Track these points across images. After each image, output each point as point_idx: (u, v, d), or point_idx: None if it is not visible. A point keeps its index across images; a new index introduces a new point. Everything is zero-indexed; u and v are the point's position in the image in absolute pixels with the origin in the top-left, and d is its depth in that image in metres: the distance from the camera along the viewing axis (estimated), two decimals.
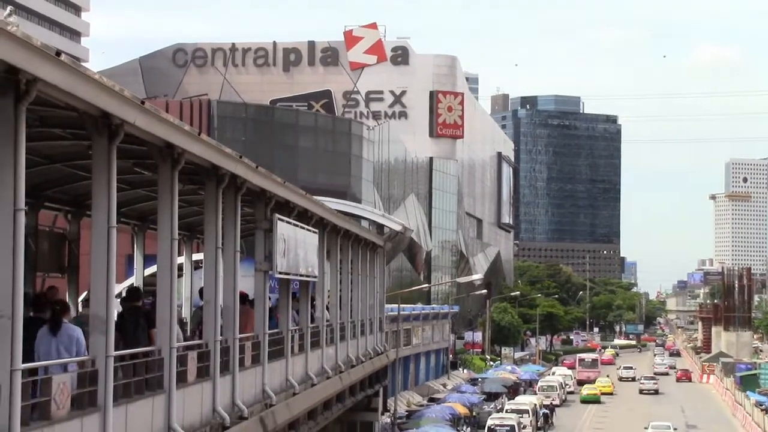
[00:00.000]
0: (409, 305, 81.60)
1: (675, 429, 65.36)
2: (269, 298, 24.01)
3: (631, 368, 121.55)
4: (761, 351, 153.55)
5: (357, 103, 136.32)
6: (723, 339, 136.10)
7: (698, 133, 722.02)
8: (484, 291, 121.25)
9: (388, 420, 52.40)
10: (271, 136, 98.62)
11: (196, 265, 28.54)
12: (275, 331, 24.27)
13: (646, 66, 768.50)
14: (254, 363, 21.84)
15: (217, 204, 18.80)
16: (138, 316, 17.07)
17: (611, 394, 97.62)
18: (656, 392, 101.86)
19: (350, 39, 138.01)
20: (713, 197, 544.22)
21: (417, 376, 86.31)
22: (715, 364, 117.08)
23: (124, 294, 19.34)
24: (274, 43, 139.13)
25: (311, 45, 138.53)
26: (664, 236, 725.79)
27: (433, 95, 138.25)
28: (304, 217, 25.63)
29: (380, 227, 48.27)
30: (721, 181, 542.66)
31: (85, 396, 13.19)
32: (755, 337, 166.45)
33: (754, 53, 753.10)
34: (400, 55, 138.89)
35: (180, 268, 19.64)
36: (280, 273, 22.75)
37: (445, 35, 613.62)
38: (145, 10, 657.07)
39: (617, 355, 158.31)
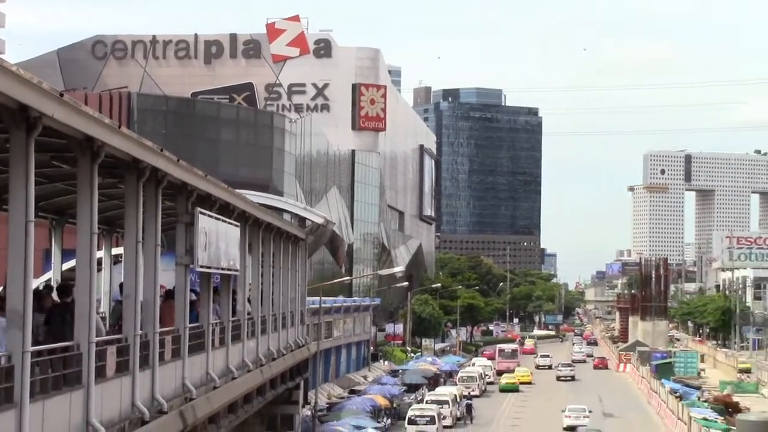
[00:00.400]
0: (330, 298, 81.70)
1: (590, 411, 67.80)
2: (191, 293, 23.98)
3: (547, 356, 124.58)
4: (677, 340, 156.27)
5: (279, 95, 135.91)
6: (640, 328, 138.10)
7: (618, 126, 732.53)
8: (406, 283, 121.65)
9: (309, 413, 52.46)
10: (192, 129, 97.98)
11: (116, 260, 28.36)
12: (196, 324, 24.21)
13: (568, 59, 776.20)
14: (174, 357, 21.79)
15: (137, 197, 18.71)
16: (66, 312, 17.01)
17: (530, 383, 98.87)
18: (573, 378, 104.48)
19: (272, 31, 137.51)
20: (631, 189, 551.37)
21: (338, 369, 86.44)
22: (631, 353, 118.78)
23: (42, 288, 19.21)
24: (196, 36, 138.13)
25: (233, 37, 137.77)
26: (584, 227, 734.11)
27: (355, 88, 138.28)
28: (225, 210, 25.58)
29: (302, 220, 48.30)
30: (639, 172, 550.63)
31: (0, 392, 13.07)
32: (671, 326, 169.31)
33: (676, 47, 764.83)
34: (323, 48, 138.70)
35: (99, 262, 19.50)
36: (201, 267, 22.70)
37: (368, 28, 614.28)
38: (63, 1, 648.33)
39: (535, 345, 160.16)
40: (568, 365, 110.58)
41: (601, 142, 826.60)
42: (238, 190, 28.20)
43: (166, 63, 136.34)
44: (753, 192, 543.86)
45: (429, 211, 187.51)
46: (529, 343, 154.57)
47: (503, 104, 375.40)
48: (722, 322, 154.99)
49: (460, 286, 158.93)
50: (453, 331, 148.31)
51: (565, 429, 65.24)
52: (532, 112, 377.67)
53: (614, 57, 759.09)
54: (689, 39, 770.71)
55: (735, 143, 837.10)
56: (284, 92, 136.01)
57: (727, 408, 69.35)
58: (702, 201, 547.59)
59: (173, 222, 22.65)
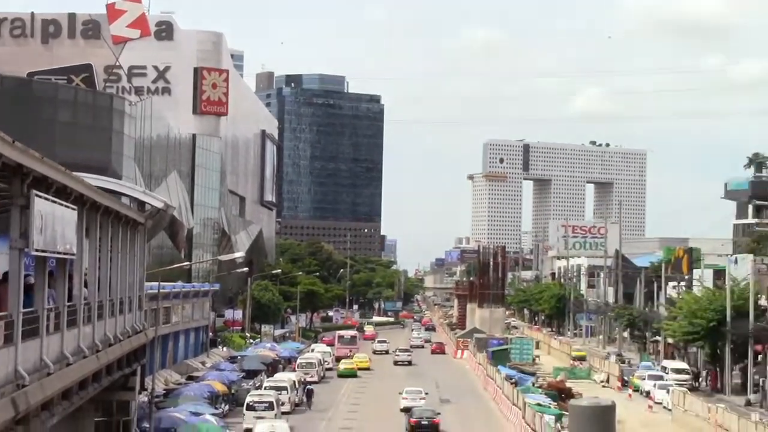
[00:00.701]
0: (169, 283, 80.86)
1: (426, 393, 70.65)
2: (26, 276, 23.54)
3: (384, 342, 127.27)
4: (515, 328, 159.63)
5: (119, 78, 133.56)
6: (477, 315, 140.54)
7: (458, 115, 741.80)
8: (246, 269, 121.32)
9: (146, 399, 51.91)
10: (28, 109, 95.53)
11: None
12: (30, 310, 23.81)
13: (410, 48, 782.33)
14: (6, 343, 21.40)
15: None
16: None
17: (368, 369, 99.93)
18: (410, 363, 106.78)
19: (113, 12, 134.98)
20: (471, 177, 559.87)
21: (176, 355, 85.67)
22: (469, 339, 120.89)
23: None
24: (32, 14, 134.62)
25: (72, 17, 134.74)
26: (424, 215, 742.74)
27: (197, 72, 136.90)
28: (62, 193, 25.18)
29: (141, 204, 47.66)
30: (478, 161, 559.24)
31: None
32: (508, 313, 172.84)
33: (514, 37, 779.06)
34: (164, 30, 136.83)
35: None
36: (37, 250, 22.33)
37: (210, 11, 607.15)
38: None
39: (376, 331, 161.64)
40: (405, 350, 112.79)
41: (442, 131, 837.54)
42: (75, 173, 27.77)
43: (1, 42, 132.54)
44: (588, 182, 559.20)
45: (270, 196, 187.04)
46: (369, 330, 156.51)
47: (346, 91, 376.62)
48: (557, 310, 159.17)
49: (300, 272, 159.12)
50: (292, 318, 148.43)
51: (402, 410, 66.60)
52: (374, 99, 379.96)
53: (456, 46, 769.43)
54: (525, 29, 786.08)
55: (571, 134, 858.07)
56: (124, 74, 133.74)
57: (561, 393, 71.37)
58: (539, 190, 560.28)
59: (8, 205, 22.22)
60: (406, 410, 64.56)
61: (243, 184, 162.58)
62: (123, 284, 37.96)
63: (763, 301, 74.49)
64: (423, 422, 59.64)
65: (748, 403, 72.55)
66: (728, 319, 77.80)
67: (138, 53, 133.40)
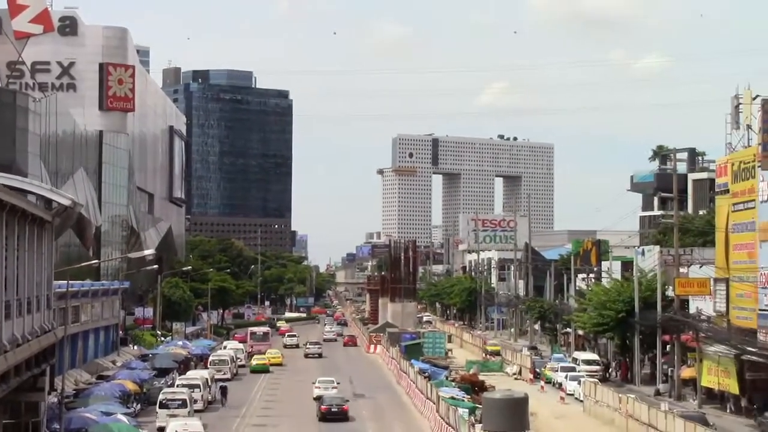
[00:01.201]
0: (77, 281, 79.70)
1: (338, 383, 73.82)
2: None
3: (294, 336, 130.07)
4: (429, 323, 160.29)
5: (22, 74, 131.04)
6: (389, 310, 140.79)
7: (368, 110, 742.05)
8: (156, 266, 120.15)
9: (55, 399, 51.11)
10: None
11: None
12: None
13: (319, 43, 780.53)
14: None
15: None
16: None
17: (281, 364, 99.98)
18: (320, 356, 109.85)
19: (14, 7, 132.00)
20: (381, 172, 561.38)
21: (86, 354, 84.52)
22: (381, 334, 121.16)
23: None
24: None
25: None
26: (335, 210, 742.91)
27: (102, 67, 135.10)
28: None
29: (48, 202, 46.91)
30: (388, 156, 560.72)
31: None
32: (420, 307, 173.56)
33: (422, 32, 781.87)
34: (69, 26, 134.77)
35: None
36: None
37: (115, 6, 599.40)
38: None
39: (291, 327, 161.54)
40: (315, 343, 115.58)
41: (351, 126, 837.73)
42: None
43: None
44: (497, 175, 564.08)
45: (179, 193, 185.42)
46: (283, 325, 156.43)
47: (254, 86, 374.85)
48: (468, 303, 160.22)
49: (211, 269, 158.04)
50: (204, 315, 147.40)
51: (315, 399, 68.19)
52: (283, 94, 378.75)
53: (365, 41, 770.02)
54: (433, 25, 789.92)
55: (480, 129, 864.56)
56: (27, 70, 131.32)
57: (474, 386, 71.84)
58: (449, 184, 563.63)
59: None
60: (319, 399, 66.33)
61: (151, 180, 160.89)
62: (30, 283, 37.29)
63: (670, 292, 75.67)
64: (333, 409, 62.51)
65: (658, 393, 73.74)
66: (636, 310, 78.94)
67: (41, 49, 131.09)
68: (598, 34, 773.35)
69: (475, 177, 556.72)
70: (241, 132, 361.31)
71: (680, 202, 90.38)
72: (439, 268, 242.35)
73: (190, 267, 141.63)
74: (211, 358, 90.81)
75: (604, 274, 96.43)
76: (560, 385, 77.48)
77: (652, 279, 79.36)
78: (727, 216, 68.02)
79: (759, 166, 61.70)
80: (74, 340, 77.81)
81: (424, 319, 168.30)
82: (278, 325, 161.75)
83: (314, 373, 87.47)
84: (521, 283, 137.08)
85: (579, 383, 71.96)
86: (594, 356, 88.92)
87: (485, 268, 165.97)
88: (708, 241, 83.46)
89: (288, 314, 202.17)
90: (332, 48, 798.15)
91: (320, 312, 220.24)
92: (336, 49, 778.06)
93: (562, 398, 72.88)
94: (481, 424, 52.12)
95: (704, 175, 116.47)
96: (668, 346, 78.22)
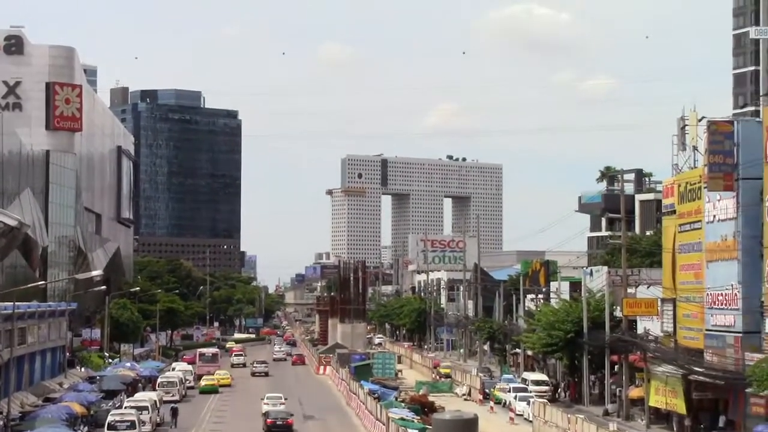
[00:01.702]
0: (24, 303, 78.91)
1: (286, 398, 76.09)
2: None
3: (241, 355, 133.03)
4: (379, 344, 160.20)
5: None
6: (339, 330, 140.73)
7: (316, 130, 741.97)
8: (103, 287, 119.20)
9: (1, 423, 50.56)
10: None
11: None
12: None
13: (267, 63, 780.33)
14: None
15: None
16: None
17: (230, 385, 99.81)
18: (266, 374, 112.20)
19: None
20: (330, 192, 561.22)
21: (32, 376, 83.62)
22: (331, 355, 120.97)
23: None
24: None
25: None
26: (284, 231, 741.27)
27: (49, 87, 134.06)
28: None
29: None
30: (337, 176, 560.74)
31: None
32: (369, 328, 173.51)
33: (371, 53, 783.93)
34: (14, 45, 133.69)
35: None
36: None
37: (62, 25, 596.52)
38: None
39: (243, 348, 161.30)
40: (262, 362, 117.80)
41: (300, 146, 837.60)
42: None
43: None
44: (446, 196, 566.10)
45: (127, 213, 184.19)
46: (234, 346, 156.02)
47: (202, 106, 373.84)
48: (418, 324, 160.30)
49: (159, 290, 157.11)
50: (152, 336, 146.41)
51: (263, 415, 69.03)
52: (232, 114, 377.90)
53: (313, 62, 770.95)
54: (382, 45, 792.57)
55: (428, 149, 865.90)
56: None
57: (423, 407, 71.92)
58: (398, 204, 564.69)
59: None
60: (266, 414, 68.37)
61: (99, 201, 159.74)
62: None
63: (618, 313, 76.25)
64: (278, 422, 65.86)
65: (606, 413, 74.19)
66: (585, 330, 79.44)
67: None
68: (545, 56, 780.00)
69: (425, 197, 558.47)
70: (190, 152, 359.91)
71: (628, 222, 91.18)
72: (388, 289, 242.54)
73: (138, 288, 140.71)
74: (159, 380, 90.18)
75: (552, 295, 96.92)
76: (510, 405, 77.76)
77: (601, 299, 79.91)
78: (674, 237, 68.74)
79: (705, 187, 62.43)
80: (20, 362, 76.95)
81: (375, 340, 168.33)
82: (228, 346, 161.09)
83: (263, 392, 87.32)
84: (470, 304, 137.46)
85: (528, 404, 72.27)
86: (543, 377, 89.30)
87: (434, 288, 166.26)
88: (655, 262, 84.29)
89: (237, 335, 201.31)
90: (281, 68, 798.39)
91: (270, 333, 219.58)
92: (285, 69, 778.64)
93: (511, 419, 73.15)
94: None
95: (651, 196, 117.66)
96: (616, 367, 78.73)
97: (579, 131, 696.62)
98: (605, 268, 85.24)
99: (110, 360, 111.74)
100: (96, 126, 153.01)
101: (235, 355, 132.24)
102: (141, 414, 63.42)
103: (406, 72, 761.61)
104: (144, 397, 72.39)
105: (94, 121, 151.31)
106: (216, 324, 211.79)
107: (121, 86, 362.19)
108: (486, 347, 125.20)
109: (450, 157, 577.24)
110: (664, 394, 66.17)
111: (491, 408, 79.93)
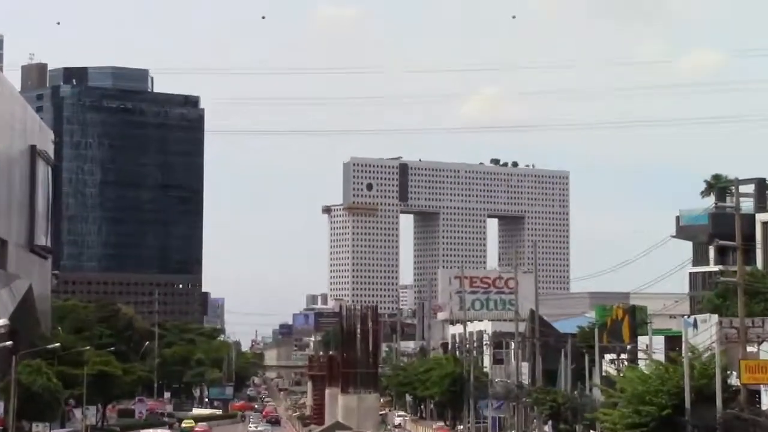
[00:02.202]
0: None
1: None
2: None
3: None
4: (399, 426, 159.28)
5: None
6: (341, 404, 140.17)
7: (309, 123, 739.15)
8: (9, 343, 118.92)
9: None
10: None
11: None
12: None
13: (241, 31, 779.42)
14: None
15: None
16: None
17: None
18: None
19: None
20: (328, 210, 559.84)
21: None
22: None
23: None
24: None
25: None
26: (263, 264, 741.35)
27: None
28: None
29: None
30: (338, 188, 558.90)
31: None
32: (383, 401, 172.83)
33: (380, 19, 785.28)
34: None
35: None
36: None
37: None
38: None
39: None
40: None
41: (286, 145, 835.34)
42: None
43: None
44: (490, 215, 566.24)
45: (44, 239, 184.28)
46: (191, 426, 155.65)
47: (150, 90, 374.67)
48: (452, 395, 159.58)
49: (87, 347, 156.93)
50: (77, 412, 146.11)
51: None
52: (191, 101, 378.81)
53: (300, 28, 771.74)
54: (391, 6, 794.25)
55: (465, 150, 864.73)
56: None
57: None
58: (423, 228, 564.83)
59: None
60: None
61: (5, 222, 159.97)
62: None
63: (734, 380, 75.71)
64: None
65: None
66: (687, 404, 78.89)
67: None
68: (626, 23, 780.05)
69: (460, 217, 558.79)
70: (132, 154, 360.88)
71: (746, 252, 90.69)
72: (410, 346, 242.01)
73: (58, 344, 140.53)
74: None
75: (641, 355, 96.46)
76: None
77: (709, 361, 79.35)
78: None
79: None
80: None
81: (393, 418, 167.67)
82: (185, 426, 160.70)
83: None
84: (525, 367, 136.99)
85: None
86: None
87: (475, 345, 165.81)
88: None
89: (197, 410, 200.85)
90: (260, 38, 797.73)
91: (244, 408, 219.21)
92: (265, 39, 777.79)
93: None
94: None
95: None
96: None
97: (675, 125, 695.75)
98: (715, 317, 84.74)
99: None
100: (0, 116, 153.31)
101: None
102: None
103: (434, 44, 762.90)
104: None
105: None
106: (167, 395, 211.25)
107: (37, 62, 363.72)
108: (547, 428, 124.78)
109: (495, 162, 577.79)
110: None
111: None
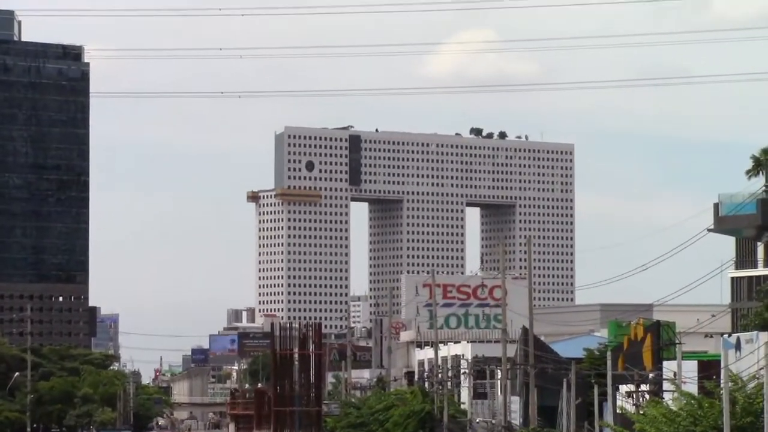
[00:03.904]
0: None
1: None
2: None
3: None
4: None
5: None
6: None
7: (228, 81, 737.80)
8: None
9: None
10: None
11: None
12: None
13: None
14: None
15: None
16: None
17: None
18: None
19: None
20: (255, 197, 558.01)
21: None
22: None
23: None
24: None
25: None
26: (169, 270, 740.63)
27: None
28: None
29: None
30: (269, 168, 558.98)
31: None
32: None
33: None
34: None
35: None
36: None
37: None
38: None
39: None
40: None
41: (198, 111, 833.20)
42: None
43: None
44: (469, 203, 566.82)
45: None
46: None
47: (17, 38, 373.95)
48: None
49: None
50: None
51: None
52: (71, 54, 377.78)
53: None
54: None
55: (436, 118, 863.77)
56: None
57: None
58: (381, 218, 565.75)
59: None
60: None
61: None
62: None
63: None
64: None
65: None
66: None
67: None
68: None
69: (430, 206, 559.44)
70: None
71: None
72: (364, 376, 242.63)
73: None
74: None
75: (667, 386, 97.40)
76: None
77: (756, 394, 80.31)
78: None
79: None
80: None
81: None
82: None
83: None
84: (516, 403, 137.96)
85: None
86: None
87: (450, 374, 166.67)
88: None
89: None
90: None
91: None
92: None
93: None
94: None
95: None
96: None
97: (714, 83, 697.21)
98: (765, 336, 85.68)
99: None
100: None
101: None
102: None
103: None
104: None
105: None
106: None
107: None
108: None
109: (477, 132, 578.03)
110: None
111: None
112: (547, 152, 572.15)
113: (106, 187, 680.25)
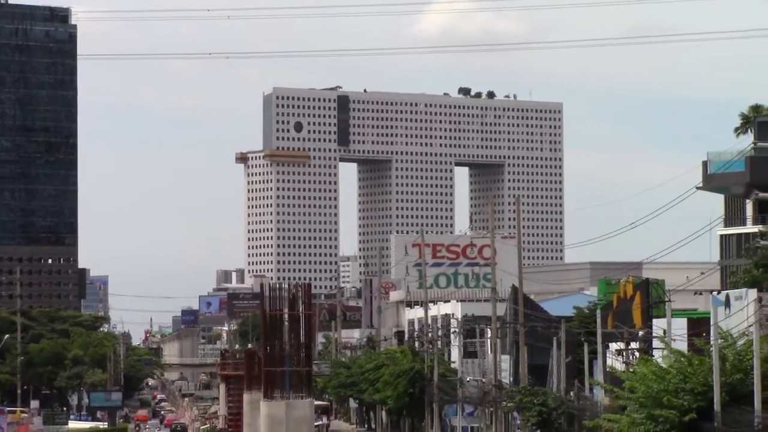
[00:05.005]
0: None
1: None
2: None
3: None
4: None
5: None
6: (264, 414, 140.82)
7: (216, 42, 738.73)
8: None
9: None
10: None
11: None
12: None
13: None
14: None
15: None
16: None
17: None
18: None
19: None
20: (243, 158, 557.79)
21: None
22: None
23: None
24: None
25: None
26: (157, 231, 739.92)
27: None
28: None
29: None
30: (257, 129, 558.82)
31: None
32: (319, 405, 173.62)
33: None
34: None
35: None
36: None
37: None
38: None
39: None
40: None
41: (186, 73, 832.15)
42: None
43: None
44: (458, 163, 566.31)
45: None
46: None
47: (3, 1, 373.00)
48: (410, 399, 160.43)
49: None
50: None
51: None
52: (58, 16, 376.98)
53: None
54: None
55: (425, 77, 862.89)
56: None
57: None
58: (370, 179, 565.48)
59: None
60: None
61: None
62: None
63: None
64: None
65: None
66: (717, 407, 79.95)
67: None
68: None
69: (419, 166, 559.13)
70: None
71: None
72: (354, 336, 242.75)
73: None
74: None
75: (656, 343, 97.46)
76: None
77: (746, 350, 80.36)
78: None
79: None
80: None
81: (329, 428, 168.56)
82: None
83: None
84: (506, 361, 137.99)
85: None
86: None
87: (440, 334, 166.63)
88: None
89: (74, 424, 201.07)
90: None
91: (139, 419, 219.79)
92: None
93: None
94: None
95: None
96: None
97: (702, 41, 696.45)
98: (753, 293, 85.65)
99: None
100: None
101: None
102: None
103: None
104: None
105: None
106: (35, 403, 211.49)
107: None
108: None
109: (465, 92, 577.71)
110: None
111: None
112: (536, 111, 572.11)
113: (94, 150, 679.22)
